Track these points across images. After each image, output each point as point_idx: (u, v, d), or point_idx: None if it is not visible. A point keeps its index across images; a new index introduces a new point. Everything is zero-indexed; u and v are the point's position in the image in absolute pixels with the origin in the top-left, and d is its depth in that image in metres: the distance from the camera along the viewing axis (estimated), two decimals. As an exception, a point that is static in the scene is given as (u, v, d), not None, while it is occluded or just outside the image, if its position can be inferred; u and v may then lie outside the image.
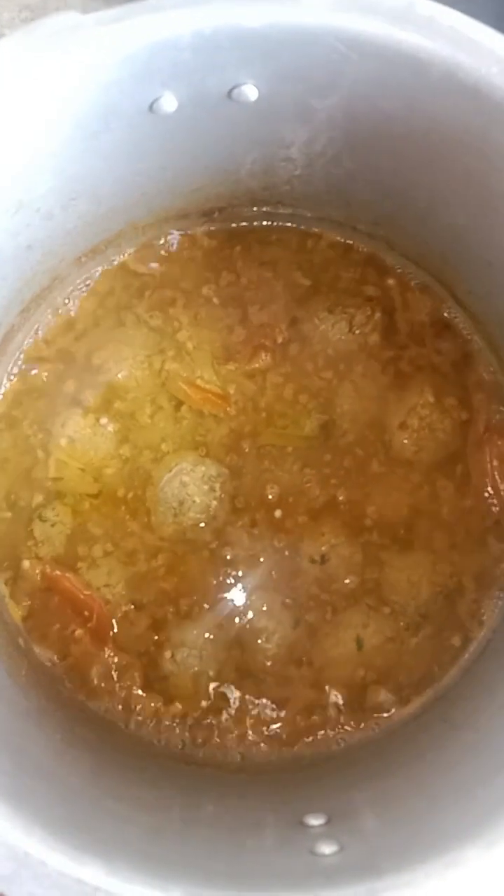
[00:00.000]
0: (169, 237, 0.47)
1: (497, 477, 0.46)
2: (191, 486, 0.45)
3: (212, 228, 0.47)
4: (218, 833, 0.31)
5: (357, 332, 0.47)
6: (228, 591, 0.44)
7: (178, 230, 0.47)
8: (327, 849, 0.29)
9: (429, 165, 0.37)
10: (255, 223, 0.47)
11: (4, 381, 0.46)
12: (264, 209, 0.46)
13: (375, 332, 0.47)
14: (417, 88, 0.33)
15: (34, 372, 0.47)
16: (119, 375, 0.46)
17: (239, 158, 0.40)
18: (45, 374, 0.47)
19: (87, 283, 0.47)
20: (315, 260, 0.47)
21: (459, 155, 0.35)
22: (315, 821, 0.31)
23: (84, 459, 0.46)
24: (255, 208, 0.46)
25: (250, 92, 0.35)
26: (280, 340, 0.47)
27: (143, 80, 0.34)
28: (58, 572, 0.44)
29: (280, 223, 0.47)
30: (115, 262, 0.47)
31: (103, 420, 0.46)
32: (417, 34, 0.32)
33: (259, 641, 0.43)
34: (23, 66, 0.32)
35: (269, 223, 0.47)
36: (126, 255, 0.47)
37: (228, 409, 0.46)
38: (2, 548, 0.45)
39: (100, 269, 0.47)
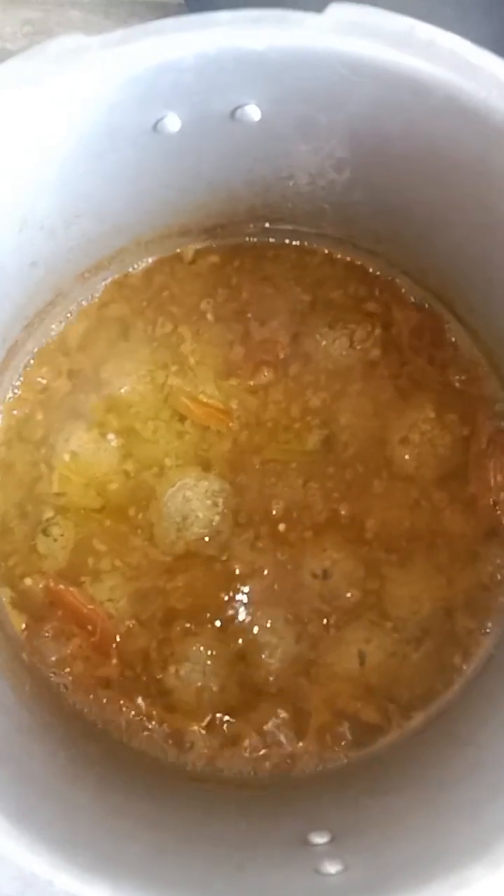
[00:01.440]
0: (171, 254, 0.48)
1: (500, 491, 0.46)
2: (194, 501, 0.45)
3: (214, 245, 0.48)
4: (221, 851, 0.31)
5: (358, 347, 0.47)
6: (232, 606, 0.44)
7: (180, 247, 0.47)
8: (332, 868, 0.29)
9: (429, 185, 0.37)
10: (256, 239, 0.48)
11: (8, 395, 0.47)
12: (265, 225, 0.46)
13: (376, 347, 0.47)
14: (418, 111, 0.34)
15: (37, 387, 0.47)
16: (122, 390, 0.47)
17: (241, 177, 0.41)
18: (49, 389, 0.47)
19: (91, 298, 0.47)
20: (316, 276, 0.48)
21: (460, 176, 0.36)
22: (319, 839, 0.31)
23: (87, 474, 0.46)
24: (256, 225, 0.46)
25: (253, 112, 0.36)
26: (282, 356, 0.47)
27: (146, 102, 0.34)
28: (61, 587, 0.44)
29: (281, 240, 0.47)
30: (118, 278, 0.47)
31: (106, 435, 0.46)
32: (418, 58, 0.32)
33: (262, 656, 0.43)
34: (28, 87, 0.32)
35: (270, 240, 0.48)
36: (129, 270, 0.47)
37: (231, 424, 0.46)
38: (5, 562, 0.45)
39: (103, 284, 0.47)
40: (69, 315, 0.47)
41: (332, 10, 0.32)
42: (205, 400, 0.47)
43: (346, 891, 0.28)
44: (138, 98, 0.34)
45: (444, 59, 0.32)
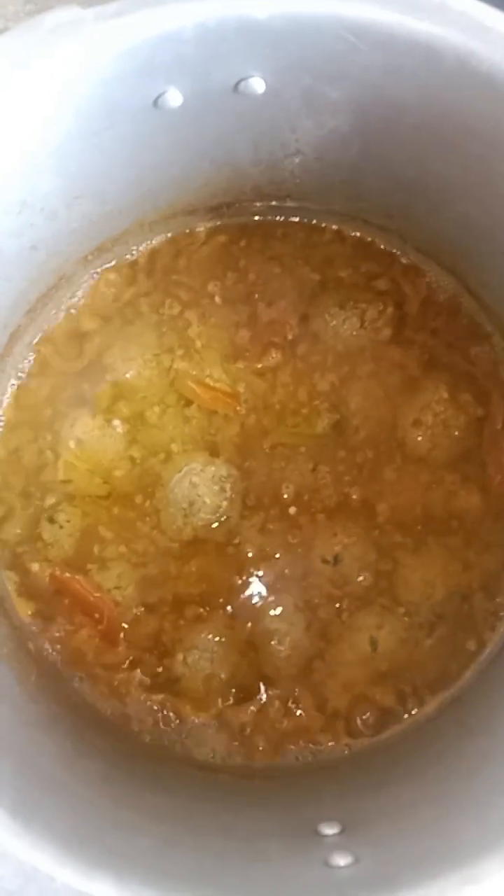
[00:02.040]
0: (176, 234, 0.46)
1: (515, 472, 0.45)
2: (201, 486, 0.44)
3: (219, 224, 0.46)
4: (231, 843, 0.30)
5: (369, 327, 0.46)
6: (240, 592, 0.44)
7: (185, 227, 0.46)
8: (342, 860, 0.29)
9: (441, 156, 0.36)
10: (263, 218, 0.46)
11: (12, 381, 0.46)
12: (272, 203, 0.45)
13: (387, 327, 0.46)
14: (429, 77, 0.32)
15: (41, 373, 0.46)
16: (127, 375, 0.46)
17: (246, 153, 0.39)
18: (52, 375, 0.46)
19: (94, 281, 0.46)
20: (325, 254, 0.46)
21: (473, 144, 0.34)
22: (329, 830, 0.31)
23: (93, 461, 0.45)
24: (262, 203, 0.45)
25: (257, 84, 0.34)
26: (290, 337, 0.46)
27: (146, 76, 0.33)
28: (67, 575, 0.44)
29: (288, 217, 0.46)
30: (122, 260, 0.46)
31: (112, 421, 0.45)
32: (428, 21, 0.31)
33: (272, 643, 0.43)
34: (22, 62, 0.31)
35: (278, 218, 0.46)
36: (133, 252, 0.46)
37: (238, 407, 0.45)
38: (11, 550, 0.44)
39: (106, 267, 0.46)
40: (73, 299, 0.46)
41: (337, -26, 0.31)
42: (211, 384, 0.46)
43: (356, 883, 0.28)
44: (137, 71, 0.32)
45: (455, 21, 0.31)
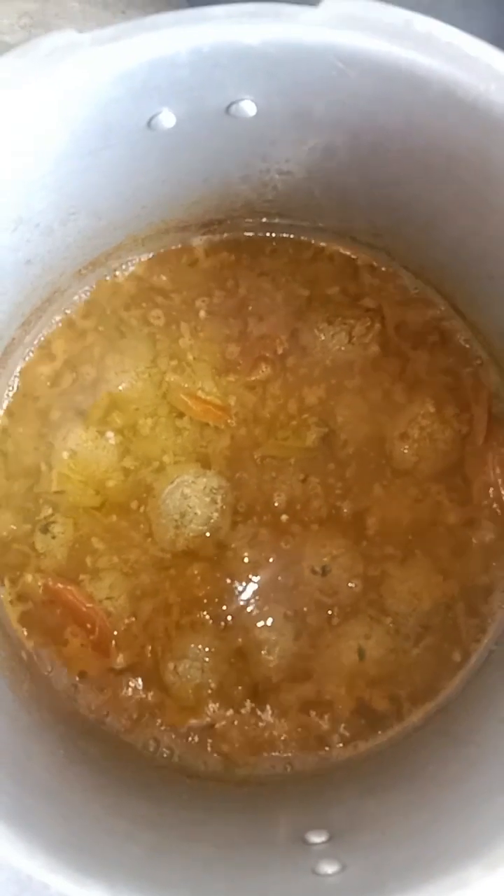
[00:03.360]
0: (169, 249, 0.47)
1: (500, 485, 0.46)
2: (192, 498, 0.45)
3: (211, 240, 0.47)
4: (220, 852, 0.31)
5: (357, 343, 0.47)
6: (230, 602, 0.44)
7: (177, 242, 0.47)
8: (329, 868, 0.29)
9: (428, 180, 0.37)
10: (253, 234, 0.47)
11: (6, 393, 0.46)
12: (263, 220, 0.46)
13: (375, 342, 0.47)
14: (416, 105, 0.33)
15: (35, 385, 0.47)
16: (120, 387, 0.46)
17: (237, 172, 0.40)
18: (47, 387, 0.47)
19: (88, 295, 0.47)
20: (314, 271, 0.47)
21: (459, 170, 0.35)
22: (317, 838, 0.31)
23: (86, 472, 0.46)
24: (253, 220, 0.46)
25: (249, 108, 0.35)
26: (280, 352, 0.47)
27: (141, 98, 0.33)
28: (60, 585, 0.44)
29: (279, 234, 0.47)
30: (116, 275, 0.47)
31: (105, 433, 0.46)
32: (415, 51, 0.32)
33: (261, 653, 0.43)
34: (20, 85, 0.32)
35: (268, 234, 0.47)
36: (126, 267, 0.47)
37: (229, 420, 0.46)
38: (4, 560, 0.45)
39: (100, 281, 0.47)
40: (66, 313, 0.47)
41: (327, 4, 0.31)
42: (203, 396, 0.46)
43: (344, 891, 0.28)
44: (132, 94, 0.33)
45: (442, 51, 0.32)
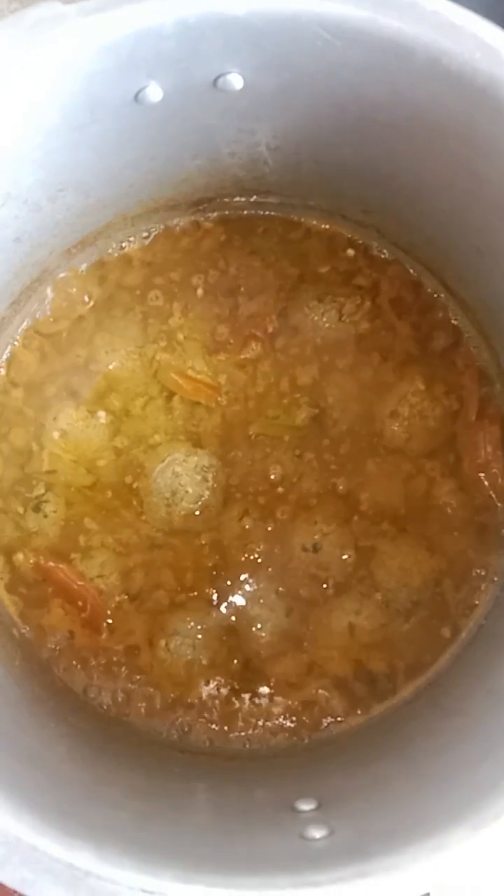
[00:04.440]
0: (158, 228, 0.47)
1: (491, 463, 0.46)
2: (183, 476, 0.45)
3: (201, 219, 0.47)
4: (209, 819, 0.31)
5: (347, 320, 0.47)
6: (221, 579, 0.44)
7: (167, 221, 0.47)
8: (317, 833, 0.30)
9: (415, 152, 0.37)
10: (244, 213, 0.47)
11: (-3, 372, 0.46)
12: (253, 199, 0.46)
13: (365, 320, 0.47)
14: (401, 75, 0.33)
15: (25, 365, 0.47)
16: (110, 366, 0.47)
17: (226, 148, 0.40)
18: (37, 366, 0.47)
19: (77, 274, 0.47)
20: (304, 249, 0.47)
21: (445, 141, 0.35)
22: (306, 806, 0.32)
23: (77, 451, 0.46)
24: (243, 198, 0.46)
25: (236, 81, 0.35)
26: (270, 330, 0.47)
27: (127, 71, 0.33)
28: (51, 563, 0.44)
29: (269, 212, 0.47)
30: (105, 253, 0.47)
31: (96, 412, 0.46)
32: (400, 20, 0.32)
33: (252, 629, 0.44)
34: (5, 58, 0.32)
35: (259, 212, 0.47)
36: (116, 245, 0.47)
37: (220, 399, 0.46)
38: (-4, 539, 0.45)
39: (90, 260, 0.47)
40: (56, 292, 0.47)
41: (312, -27, 0.31)
42: (193, 375, 0.46)
43: (331, 854, 0.29)
44: (118, 66, 0.33)
45: (427, 20, 0.32)
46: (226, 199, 0.46)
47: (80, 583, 0.44)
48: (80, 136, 0.36)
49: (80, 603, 0.44)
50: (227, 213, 0.47)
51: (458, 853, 0.27)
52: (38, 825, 0.25)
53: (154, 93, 0.35)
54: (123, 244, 0.47)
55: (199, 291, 0.47)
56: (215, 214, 0.47)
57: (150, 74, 0.34)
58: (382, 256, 0.47)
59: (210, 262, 0.47)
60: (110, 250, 0.47)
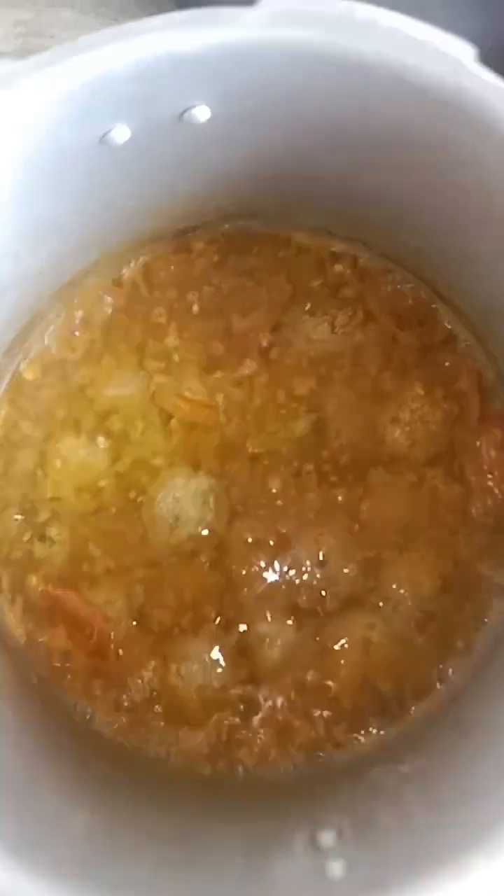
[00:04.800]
0: (146, 259, 0.47)
1: (496, 467, 0.45)
2: (185, 500, 0.45)
3: (188, 246, 0.47)
4: (228, 858, 0.31)
5: (340, 332, 0.46)
6: (228, 601, 0.44)
7: (154, 252, 0.47)
8: (336, 865, 0.30)
9: (392, 169, 0.36)
10: (230, 236, 0.47)
11: (-1, 404, 0.47)
12: (238, 223, 0.46)
13: (358, 331, 0.46)
14: (368, 94, 0.32)
15: (26, 395, 0.47)
16: (108, 394, 0.47)
17: (200, 178, 0.40)
18: (37, 396, 0.47)
19: (69, 312, 0.47)
20: (293, 265, 0.47)
21: (420, 155, 0.34)
22: (323, 836, 0.32)
23: (79, 478, 0.46)
24: (228, 224, 0.46)
25: (201, 113, 0.35)
26: (265, 344, 0.47)
27: (90, 116, 0.33)
28: (59, 591, 0.45)
29: (255, 232, 0.46)
30: (95, 290, 0.47)
31: (96, 438, 0.46)
32: (360, 40, 0.31)
33: (263, 649, 0.44)
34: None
35: (245, 234, 0.47)
36: (105, 280, 0.47)
37: (218, 418, 0.46)
38: (3, 569, 0.45)
39: (81, 296, 0.47)
40: (50, 328, 0.47)
41: (264, 1, 0.31)
42: (190, 396, 0.46)
43: (349, 887, 0.29)
44: (81, 113, 0.33)
45: (386, 37, 0.31)
46: (210, 226, 0.46)
47: (87, 611, 0.44)
48: (52, 183, 0.36)
49: (87, 631, 0.44)
50: (213, 238, 0.47)
51: (476, 881, 0.27)
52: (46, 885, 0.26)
53: (120, 133, 0.35)
54: (113, 278, 0.47)
55: (192, 314, 0.47)
56: (202, 240, 0.47)
57: (114, 117, 0.34)
58: (371, 268, 0.46)
59: (201, 285, 0.47)
60: (100, 284, 0.47)
